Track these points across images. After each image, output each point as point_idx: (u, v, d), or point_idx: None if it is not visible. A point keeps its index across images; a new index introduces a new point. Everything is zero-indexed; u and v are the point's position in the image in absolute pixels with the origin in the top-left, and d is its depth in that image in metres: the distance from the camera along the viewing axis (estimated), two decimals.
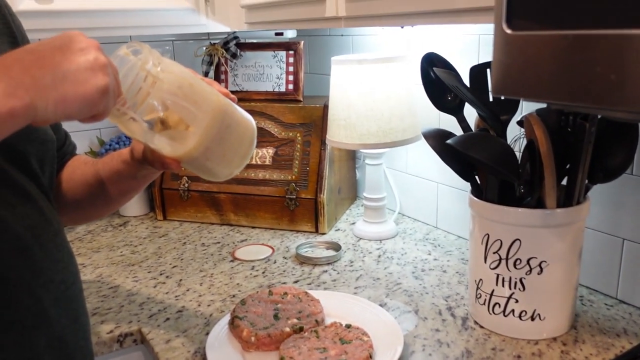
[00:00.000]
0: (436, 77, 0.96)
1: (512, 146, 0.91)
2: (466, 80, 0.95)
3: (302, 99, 1.56)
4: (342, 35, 1.64)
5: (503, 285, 0.91)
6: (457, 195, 1.36)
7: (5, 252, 0.59)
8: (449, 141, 0.85)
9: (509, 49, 0.56)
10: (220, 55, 1.59)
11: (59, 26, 1.19)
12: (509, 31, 0.56)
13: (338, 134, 1.31)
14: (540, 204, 0.87)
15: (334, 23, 1.07)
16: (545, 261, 0.88)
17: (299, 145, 1.47)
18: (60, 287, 0.66)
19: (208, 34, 1.78)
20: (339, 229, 1.48)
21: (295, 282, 1.19)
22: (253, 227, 1.51)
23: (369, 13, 0.97)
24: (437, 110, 1.03)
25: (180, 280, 1.21)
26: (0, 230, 0.59)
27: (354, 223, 1.51)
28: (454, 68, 0.99)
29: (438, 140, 0.92)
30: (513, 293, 0.91)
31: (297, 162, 1.46)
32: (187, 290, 1.16)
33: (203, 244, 1.42)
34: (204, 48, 1.62)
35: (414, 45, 1.39)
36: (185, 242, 1.43)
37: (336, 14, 1.04)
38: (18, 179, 0.64)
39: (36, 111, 0.48)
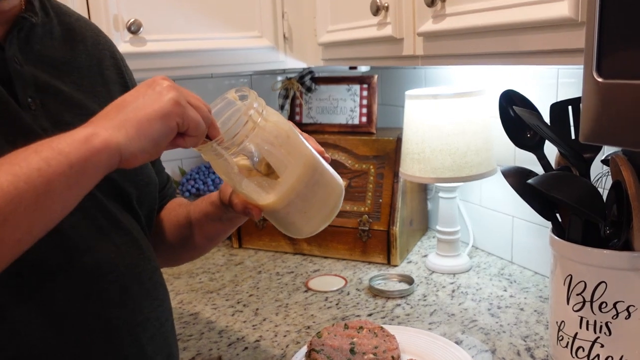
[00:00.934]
0: (515, 114, 0.96)
1: (596, 184, 0.89)
2: (545, 117, 0.94)
3: (375, 132, 1.58)
4: (415, 67, 1.66)
5: (587, 329, 0.88)
6: (534, 230, 1.33)
7: (110, 292, 0.64)
8: (530, 181, 0.84)
9: (599, 96, 0.56)
10: (296, 89, 1.65)
11: (151, 66, 1.28)
12: (599, 79, 0.56)
13: (412, 167, 1.32)
14: (627, 246, 0.84)
15: (410, 61, 1.09)
16: (634, 306, 0.84)
17: (372, 178, 1.49)
18: (156, 324, 0.69)
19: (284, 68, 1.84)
20: (410, 261, 1.48)
21: (369, 315, 1.19)
22: (325, 257, 1.53)
23: (446, 52, 0.98)
24: (514, 146, 1.02)
25: (257, 309, 1.25)
26: (105, 270, 0.64)
27: (425, 255, 1.50)
28: (533, 105, 0.98)
29: (518, 178, 0.91)
30: (598, 337, 0.88)
31: (370, 194, 1.48)
32: (264, 319, 1.19)
33: (277, 273, 1.45)
34: (280, 82, 1.68)
35: (490, 78, 1.38)
36: (260, 271, 1.47)
37: (413, 53, 1.06)
38: (122, 219, 0.69)
39: (119, 145, 0.52)
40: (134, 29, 1.26)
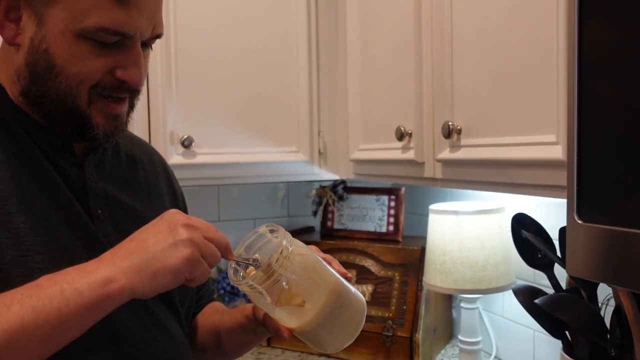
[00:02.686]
0: (526, 237, 1.05)
1: (605, 305, 0.95)
2: (555, 235, 1.02)
3: (401, 240, 1.68)
4: None
5: None
6: (554, 344, 1.35)
7: None
8: (537, 301, 0.91)
9: (581, 237, 0.65)
10: (329, 197, 1.78)
11: (200, 175, 1.44)
12: (579, 221, 0.65)
13: (434, 277, 1.40)
14: None
15: (431, 183, 1.20)
16: None
17: (396, 284, 1.56)
18: None
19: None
20: None
21: None
22: None
23: (462, 178, 1.10)
24: (526, 264, 1.10)
25: None
26: None
27: None
28: (542, 228, 1.07)
29: (527, 297, 0.98)
30: None
31: (394, 300, 1.55)
32: None
33: None
34: (315, 190, 1.82)
35: (511, 196, 1.48)
36: None
37: (433, 176, 1.17)
38: (163, 318, 0.78)
39: (133, 289, 0.62)
40: (186, 143, 1.43)
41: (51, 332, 0.58)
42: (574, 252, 0.66)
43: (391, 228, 1.70)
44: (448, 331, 1.71)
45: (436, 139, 1.15)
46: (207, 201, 1.85)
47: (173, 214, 0.67)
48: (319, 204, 1.80)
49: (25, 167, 0.70)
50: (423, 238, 1.68)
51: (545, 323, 0.98)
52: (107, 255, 0.64)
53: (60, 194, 0.72)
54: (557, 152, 0.84)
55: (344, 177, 1.60)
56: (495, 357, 1.55)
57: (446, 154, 1.11)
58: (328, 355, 1.61)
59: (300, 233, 1.91)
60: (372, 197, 1.75)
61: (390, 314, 1.54)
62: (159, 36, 0.75)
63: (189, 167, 1.43)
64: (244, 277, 0.72)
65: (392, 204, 1.71)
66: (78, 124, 0.72)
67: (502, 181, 0.99)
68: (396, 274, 1.58)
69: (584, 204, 0.65)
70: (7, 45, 0.70)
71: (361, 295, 0.79)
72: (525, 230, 1.03)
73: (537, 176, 0.90)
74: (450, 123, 1.07)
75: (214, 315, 0.96)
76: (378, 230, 1.72)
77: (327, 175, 1.61)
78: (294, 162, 1.57)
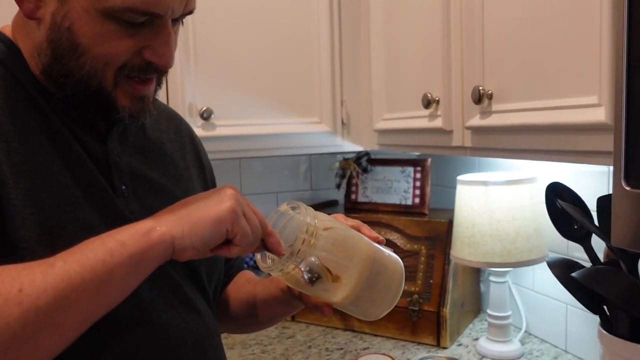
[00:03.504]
0: (562, 207, 0.99)
1: None
2: (593, 207, 0.97)
3: (427, 213, 1.63)
4: None
5: None
6: (589, 319, 1.31)
7: None
8: (574, 274, 0.86)
9: (628, 205, 0.60)
10: (353, 169, 1.73)
11: (220, 149, 1.40)
12: (627, 188, 0.60)
13: (462, 250, 1.35)
14: None
15: (459, 151, 1.15)
16: None
17: (423, 258, 1.52)
18: None
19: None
20: (461, 344, 1.48)
21: None
22: (375, 336, 1.55)
23: (493, 146, 1.04)
24: (561, 235, 1.04)
25: None
26: (174, 344, 0.71)
27: (477, 339, 1.49)
28: (579, 198, 1.01)
29: (563, 270, 0.93)
30: None
31: (420, 274, 1.51)
32: None
33: (327, 348, 1.48)
34: (338, 162, 1.78)
35: (542, 165, 1.42)
36: (310, 346, 1.50)
37: (462, 144, 1.12)
38: (192, 297, 0.76)
39: (174, 238, 0.59)
40: (205, 115, 1.39)
41: (98, 285, 0.56)
42: (619, 221, 0.61)
43: (417, 200, 1.65)
44: (476, 305, 1.67)
45: (465, 105, 1.09)
46: (229, 175, 1.83)
47: (226, 187, 0.65)
48: (343, 176, 1.76)
49: (49, 140, 0.66)
50: (449, 210, 1.63)
51: (582, 297, 0.93)
52: (149, 217, 0.62)
53: (84, 169, 0.68)
54: (600, 115, 0.78)
55: (368, 148, 1.55)
56: (525, 331, 1.50)
57: (476, 120, 1.06)
58: (353, 330, 1.59)
59: (324, 206, 1.88)
60: (397, 169, 1.70)
61: (417, 288, 1.50)
62: (191, 12, 0.70)
63: (209, 139, 1.39)
64: (273, 262, 0.69)
65: (418, 175, 1.66)
66: (103, 106, 0.68)
67: (537, 148, 0.94)
68: (422, 248, 1.53)
69: (632, 170, 0.60)
70: (26, 18, 0.66)
71: (396, 257, 0.76)
72: (561, 200, 0.98)
73: (577, 141, 0.84)
74: (480, 88, 1.01)
75: (246, 285, 0.94)
76: (403, 202, 1.67)
77: (350, 147, 1.56)
78: (316, 134, 1.53)
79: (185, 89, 1.38)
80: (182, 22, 0.71)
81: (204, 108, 1.39)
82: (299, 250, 0.66)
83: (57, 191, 0.64)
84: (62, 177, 0.65)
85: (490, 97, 1.01)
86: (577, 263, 0.95)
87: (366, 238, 0.73)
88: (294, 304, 0.87)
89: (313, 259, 0.68)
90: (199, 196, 0.64)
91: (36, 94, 0.67)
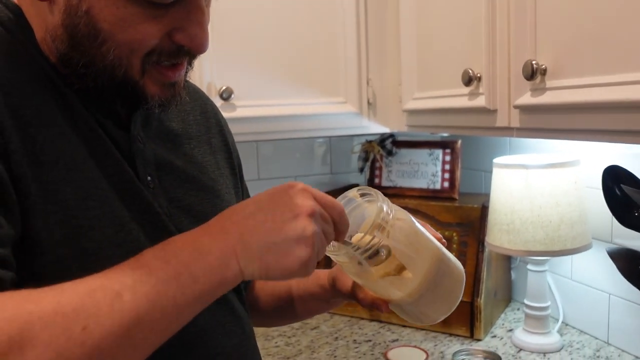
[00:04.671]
0: (622, 193, 0.91)
1: None
2: None
3: (457, 198, 1.54)
4: None
5: None
6: (634, 309, 1.23)
7: None
8: None
9: None
10: (376, 152, 1.65)
11: (241, 130, 1.30)
12: None
13: (500, 238, 1.27)
14: None
15: (504, 133, 1.06)
16: None
17: (455, 246, 1.44)
18: None
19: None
20: (495, 335, 1.40)
21: None
22: (404, 327, 1.48)
23: (546, 126, 0.95)
24: (611, 217, 0.96)
25: None
26: (212, 353, 0.64)
27: (511, 330, 1.42)
28: None
29: (628, 262, 0.85)
30: None
31: None
32: None
33: (355, 340, 1.41)
34: (360, 145, 1.69)
35: (581, 146, 1.33)
36: (337, 337, 1.43)
37: (508, 125, 1.03)
38: (229, 298, 0.69)
39: (243, 277, 0.53)
40: (225, 95, 1.30)
41: (167, 325, 0.49)
42: None
43: (446, 184, 1.57)
44: (507, 294, 1.59)
45: (513, 82, 1.00)
46: (245, 158, 1.74)
47: (298, 191, 0.56)
48: (366, 159, 1.67)
49: (71, 125, 0.58)
50: (480, 195, 1.55)
51: None
52: (215, 227, 0.54)
53: (109, 157, 0.60)
54: None
55: (395, 130, 1.46)
56: (563, 322, 1.43)
57: (526, 98, 0.97)
58: (380, 320, 1.52)
59: (345, 191, 1.80)
60: (424, 151, 1.61)
61: None
62: None
63: (229, 121, 1.30)
64: (338, 247, 0.62)
65: (447, 158, 1.57)
66: (130, 96, 0.60)
67: (597, 128, 0.85)
68: (454, 234, 1.45)
69: None
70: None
71: (459, 262, 0.71)
72: (622, 185, 0.89)
73: None
74: (533, 62, 0.92)
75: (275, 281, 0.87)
76: (431, 187, 1.59)
77: (377, 128, 1.47)
78: (342, 114, 1.44)
79: (203, 68, 1.29)
80: None
81: (224, 88, 1.30)
82: (373, 237, 0.61)
83: (81, 184, 0.56)
84: (86, 167, 0.57)
85: (543, 72, 0.92)
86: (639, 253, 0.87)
87: (434, 238, 0.68)
88: (332, 302, 0.82)
89: (382, 249, 0.62)
90: (269, 212, 0.54)
91: (52, 73, 0.59)
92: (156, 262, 0.49)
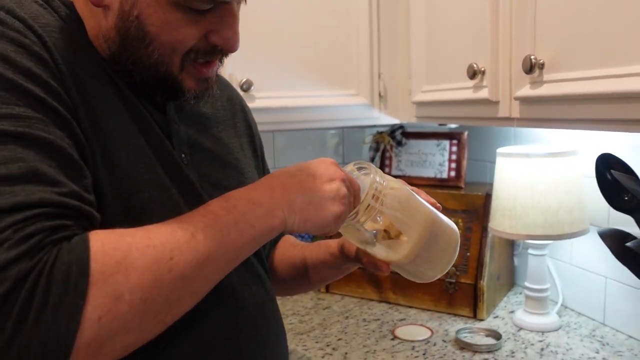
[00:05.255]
0: (612, 177, 0.99)
1: None
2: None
3: (463, 186, 1.62)
4: None
5: None
6: (629, 292, 1.31)
7: (242, 326, 0.72)
8: (629, 244, 0.86)
9: None
10: (387, 142, 1.73)
11: (259, 120, 1.40)
12: None
13: (502, 223, 1.35)
14: None
15: (506, 123, 1.14)
16: None
17: (460, 231, 1.51)
18: (277, 359, 0.77)
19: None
20: (497, 316, 1.49)
21: None
22: (411, 307, 1.56)
23: (542, 116, 1.03)
24: (607, 204, 1.04)
25: (346, 353, 1.30)
26: (239, 307, 0.73)
27: (512, 311, 1.50)
28: (631, 169, 1.00)
29: (616, 241, 0.93)
30: None
31: None
32: None
33: (364, 319, 1.50)
34: (371, 135, 1.77)
35: (581, 137, 1.40)
36: (347, 316, 1.52)
37: (509, 115, 1.11)
38: (252, 260, 0.78)
39: (285, 226, 0.63)
40: (245, 87, 1.39)
41: (228, 262, 0.61)
42: None
43: (452, 174, 1.65)
44: (510, 279, 1.67)
45: (514, 75, 1.08)
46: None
47: (331, 163, 0.68)
48: (376, 149, 1.76)
49: (122, 103, 0.67)
50: (484, 184, 1.63)
51: (635, 268, 0.93)
52: (264, 185, 0.65)
53: (153, 133, 0.69)
54: None
55: (405, 121, 1.55)
56: (562, 305, 1.51)
57: (526, 90, 1.05)
58: (388, 301, 1.61)
59: None
60: (432, 142, 1.69)
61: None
62: None
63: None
64: None
65: (454, 148, 1.65)
66: (169, 89, 0.70)
67: (591, 117, 0.92)
68: (459, 221, 1.54)
69: None
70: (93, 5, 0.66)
71: (453, 224, 0.78)
72: (613, 171, 0.97)
73: (636, 110, 0.83)
74: (532, 57, 1.00)
75: (292, 249, 0.97)
76: (439, 176, 1.67)
77: (387, 120, 1.56)
78: (354, 106, 1.52)
79: (226, 61, 1.38)
80: (246, 1, 0.71)
81: (244, 79, 1.39)
82: (368, 205, 0.69)
83: (132, 151, 0.65)
84: (136, 138, 0.66)
85: (541, 66, 1.00)
86: (629, 234, 0.95)
87: (426, 202, 0.76)
88: (343, 268, 0.90)
89: (379, 215, 0.71)
90: (310, 174, 0.66)
91: (104, 63, 0.68)
92: (221, 211, 0.60)
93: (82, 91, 0.62)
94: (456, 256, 0.78)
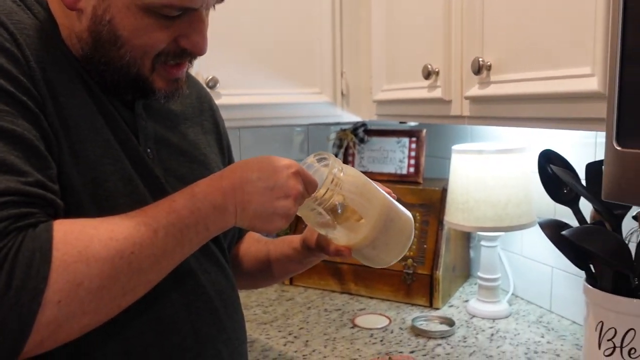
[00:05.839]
0: (553, 172, 1.06)
1: (628, 238, 0.97)
2: (582, 175, 1.04)
3: (422, 182, 1.70)
4: None
5: None
6: (573, 280, 1.40)
7: (201, 311, 0.77)
8: (564, 232, 0.94)
9: (618, 162, 0.67)
10: (350, 139, 1.79)
11: (225, 117, 1.44)
12: (618, 148, 0.67)
13: (456, 216, 1.42)
14: None
15: (457, 121, 1.21)
16: None
17: (417, 224, 1.59)
18: (235, 343, 0.81)
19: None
20: (452, 305, 1.56)
21: (411, 352, 1.28)
22: (371, 298, 1.63)
23: (490, 115, 1.10)
24: (551, 199, 1.12)
25: (307, 341, 1.35)
26: (198, 292, 0.77)
27: (467, 300, 1.58)
28: (569, 164, 1.08)
29: (554, 230, 1.01)
30: None
31: (415, 239, 1.58)
32: (313, 351, 1.30)
33: (326, 309, 1.56)
34: (335, 133, 1.83)
35: (532, 135, 1.49)
36: (309, 307, 1.58)
37: (460, 114, 1.18)
38: (213, 249, 0.82)
39: (234, 225, 0.70)
40: (211, 84, 1.43)
41: (180, 258, 0.67)
42: (610, 177, 0.68)
43: (412, 170, 1.72)
44: (466, 270, 1.75)
45: (465, 75, 1.15)
46: None
47: (293, 174, 0.71)
48: (340, 146, 1.82)
49: (90, 98, 0.71)
50: (442, 179, 1.71)
51: (571, 255, 1.01)
52: (228, 187, 0.69)
53: (120, 128, 0.73)
54: (593, 84, 0.85)
55: (366, 119, 1.61)
56: (512, 294, 1.59)
57: (475, 90, 1.12)
58: (350, 293, 1.67)
59: None
60: (392, 139, 1.76)
61: (411, 253, 1.58)
62: (222, 0, 0.74)
63: (222, 108, 1.44)
64: (305, 204, 0.75)
65: (413, 145, 1.72)
66: (140, 90, 0.74)
67: (534, 116, 1.00)
68: (417, 214, 1.61)
69: (622, 132, 0.67)
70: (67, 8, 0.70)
71: (408, 212, 0.84)
72: (552, 166, 1.05)
73: (571, 109, 0.91)
74: (480, 59, 1.07)
75: (256, 244, 1.01)
76: (399, 172, 1.74)
77: (349, 117, 1.62)
78: (317, 104, 1.58)
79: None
80: (214, 7, 0.76)
81: (210, 77, 1.43)
82: (328, 189, 0.74)
83: (99, 144, 0.69)
84: (103, 132, 0.70)
85: (488, 68, 1.07)
86: (566, 224, 1.03)
87: (382, 190, 0.81)
88: (305, 262, 0.95)
89: (339, 201, 0.76)
90: (269, 183, 0.70)
91: (75, 62, 0.71)
92: (184, 211, 0.65)
93: (51, 87, 0.66)
94: (411, 242, 0.84)
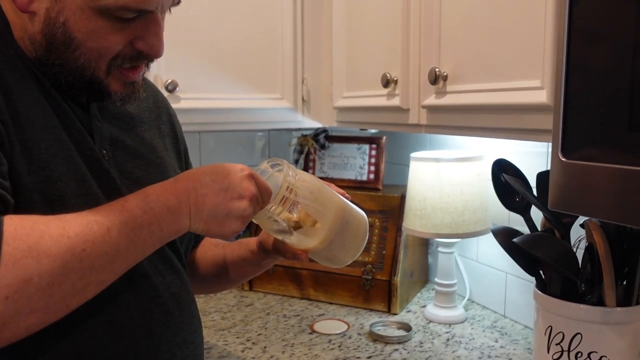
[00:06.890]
0: (506, 181, 1.09)
1: (576, 245, 1.00)
2: (533, 183, 1.07)
3: (381, 188, 1.72)
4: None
5: None
6: (525, 286, 1.44)
7: (155, 314, 0.76)
8: (515, 240, 0.96)
9: (563, 173, 0.69)
10: (311, 145, 1.80)
11: (185, 121, 1.43)
12: (563, 159, 0.69)
13: (414, 223, 1.44)
14: (601, 302, 0.95)
15: (415, 129, 1.23)
16: (606, 356, 0.95)
17: (377, 230, 1.61)
18: (190, 347, 0.81)
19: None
20: (410, 311, 1.58)
21: (369, 357, 1.29)
22: (330, 303, 1.63)
23: (446, 124, 1.13)
24: (504, 207, 1.15)
25: (265, 347, 1.35)
26: (152, 295, 0.76)
27: (424, 306, 1.60)
28: (521, 173, 1.12)
29: (505, 237, 1.03)
30: None
31: (374, 245, 1.60)
32: (271, 357, 1.29)
33: (285, 315, 1.56)
34: (296, 139, 1.83)
35: (489, 144, 1.52)
36: (269, 313, 1.57)
37: (418, 122, 1.20)
38: (168, 253, 0.81)
39: (189, 228, 0.70)
40: (170, 88, 1.42)
41: (134, 259, 0.66)
42: (555, 187, 0.70)
43: (372, 176, 1.74)
44: (424, 276, 1.78)
45: (422, 85, 1.17)
46: (189, 149, 1.85)
47: (246, 176, 0.72)
48: (301, 152, 1.82)
49: (44, 97, 0.70)
50: (402, 186, 1.73)
51: (521, 261, 1.04)
52: (181, 190, 0.69)
53: (75, 128, 0.72)
54: (542, 97, 0.87)
55: (327, 125, 1.62)
56: (468, 299, 1.63)
57: (431, 100, 1.14)
58: (309, 298, 1.67)
59: None
60: (353, 146, 1.78)
61: (370, 259, 1.59)
62: (178, 3, 0.74)
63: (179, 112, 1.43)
64: (261, 212, 0.76)
65: (373, 152, 1.74)
66: (95, 92, 0.73)
67: (486, 126, 1.03)
68: (376, 220, 1.62)
69: (568, 144, 0.69)
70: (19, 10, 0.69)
71: (362, 211, 0.86)
72: (505, 175, 1.07)
73: (521, 120, 0.94)
74: (437, 69, 1.09)
75: (214, 248, 1.00)
76: (359, 178, 1.76)
77: (310, 123, 1.62)
78: (278, 109, 1.58)
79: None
80: (170, 10, 0.75)
81: (169, 81, 1.41)
82: (283, 197, 0.75)
83: (52, 143, 0.68)
84: (57, 131, 0.69)
85: (445, 78, 1.09)
86: (517, 231, 1.05)
87: (336, 192, 0.82)
88: (262, 264, 0.95)
89: (294, 207, 0.77)
90: (223, 185, 0.70)
91: (29, 63, 0.70)
92: (137, 211, 0.65)
93: (3, 85, 0.64)
94: (366, 241, 0.86)
